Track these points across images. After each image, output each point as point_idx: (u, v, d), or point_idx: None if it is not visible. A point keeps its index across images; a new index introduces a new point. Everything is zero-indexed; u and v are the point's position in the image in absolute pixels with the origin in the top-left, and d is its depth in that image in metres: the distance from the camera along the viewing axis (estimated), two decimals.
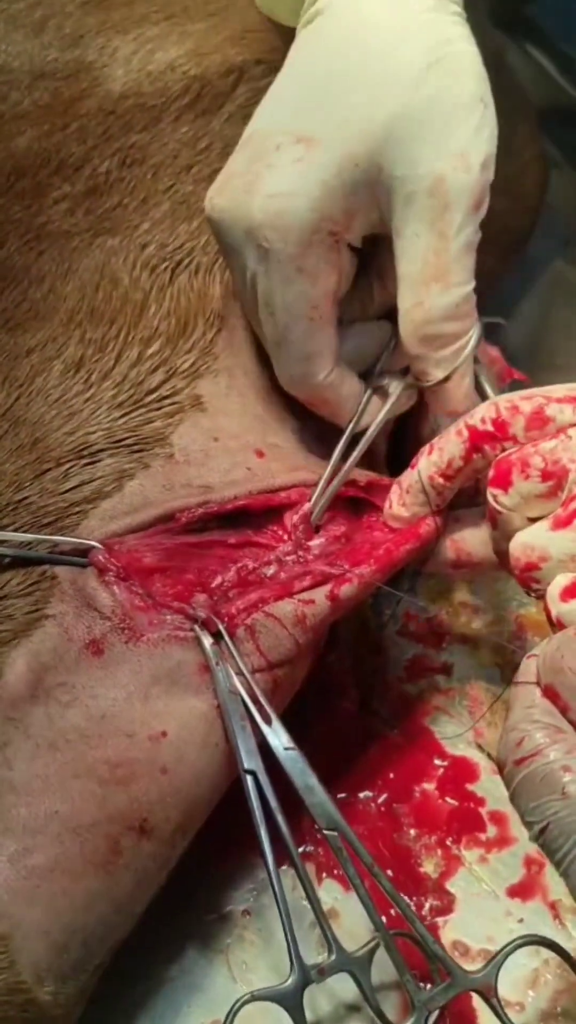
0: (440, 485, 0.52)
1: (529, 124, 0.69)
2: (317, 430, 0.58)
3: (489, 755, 0.60)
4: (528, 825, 0.42)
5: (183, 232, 0.58)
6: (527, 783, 0.41)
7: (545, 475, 0.47)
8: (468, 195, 0.49)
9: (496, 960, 0.47)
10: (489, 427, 0.50)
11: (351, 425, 0.55)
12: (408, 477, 0.54)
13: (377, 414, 0.56)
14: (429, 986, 0.47)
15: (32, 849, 0.44)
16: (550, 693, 0.43)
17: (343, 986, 0.49)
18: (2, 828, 0.44)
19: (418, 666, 0.64)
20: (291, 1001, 0.46)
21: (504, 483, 0.49)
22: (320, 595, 0.51)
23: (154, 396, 0.54)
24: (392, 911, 0.49)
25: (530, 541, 0.48)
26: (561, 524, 0.47)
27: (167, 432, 0.54)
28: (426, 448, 0.53)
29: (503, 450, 0.50)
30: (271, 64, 0.60)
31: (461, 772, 0.60)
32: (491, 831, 0.58)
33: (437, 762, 0.60)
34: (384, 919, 0.48)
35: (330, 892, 0.55)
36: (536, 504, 0.48)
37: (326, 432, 0.58)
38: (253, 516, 0.54)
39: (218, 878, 0.56)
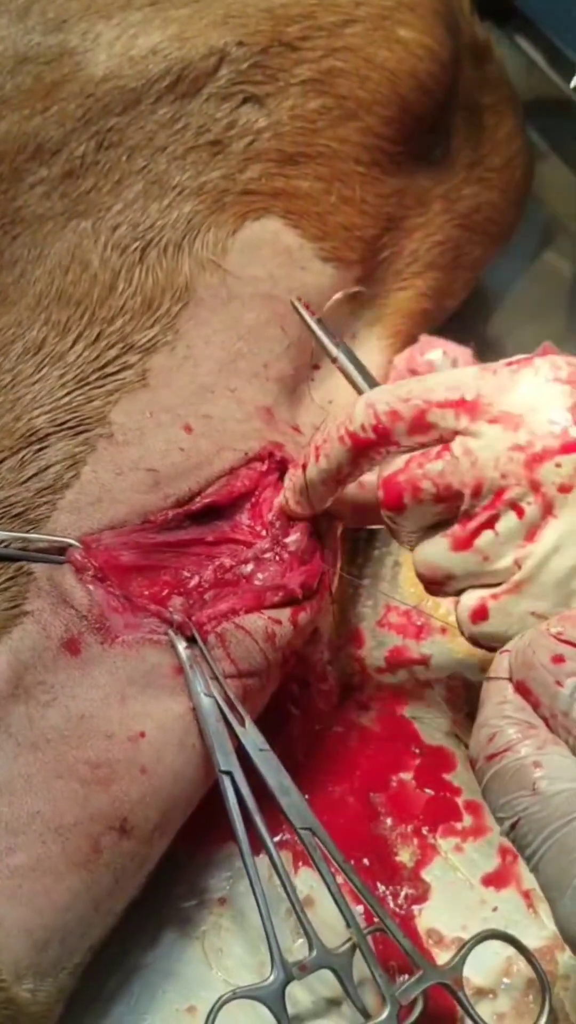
0: (332, 488, 0.52)
1: (516, 116, 0.69)
2: (273, 397, 0.59)
3: (466, 745, 0.60)
4: (499, 820, 0.42)
5: (154, 211, 0.58)
6: (498, 779, 0.42)
7: (438, 499, 0.48)
8: None
9: (461, 953, 0.48)
10: (371, 435, 0.49)
11: None
12: (297, 479, 0.53)
13: None
14: (405, 976, 0.48)
15: (15, 849, 0.44)
16: (522, 689, 0.43)
17: (323, 980, 0.49)
18: None
19: (397, 657, 0.64)
20: (274, 999, 0.46)
21: (397, 507, 0.49)
22: (285, 616, 0.52)
23: (99, 373, 0.54)
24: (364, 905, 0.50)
25: (433, 561, 0.49)
26: (461, 546, 0.47)
27: (106, 411, 0.53)
28: (311, 452, 0.52)
29: (388, 452, 0.50)
30: (253, 46, 0.60)
31: (438, 762, 0.60)
32: (467, 820, 0.58)
33: (414, 752, 0.60)
34: (361, 908, 0.49)
35: (306, 881, 0.55)
36: (432, 518, 0.49)
37: (274, 401, 0.58)
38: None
39: (194, 866, 0.56)
